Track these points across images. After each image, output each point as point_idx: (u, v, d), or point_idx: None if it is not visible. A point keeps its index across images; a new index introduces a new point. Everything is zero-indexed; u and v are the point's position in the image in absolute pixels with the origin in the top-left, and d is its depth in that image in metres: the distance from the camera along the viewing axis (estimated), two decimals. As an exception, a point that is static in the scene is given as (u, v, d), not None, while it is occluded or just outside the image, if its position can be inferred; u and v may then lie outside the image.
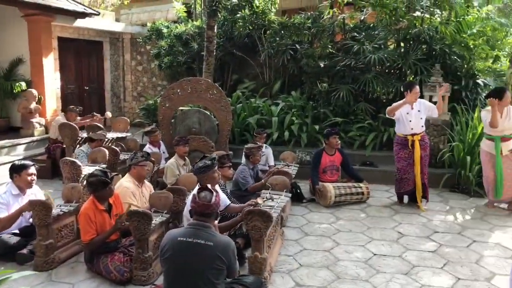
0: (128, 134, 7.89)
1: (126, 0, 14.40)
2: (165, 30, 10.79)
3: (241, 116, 8.58)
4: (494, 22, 8.62)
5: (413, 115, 5.74)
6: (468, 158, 6.44)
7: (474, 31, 8.07)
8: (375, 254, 4.46)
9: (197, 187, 3.89)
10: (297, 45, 9.08)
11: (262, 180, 5.41)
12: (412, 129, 5.76)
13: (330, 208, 5.88)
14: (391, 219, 5.53)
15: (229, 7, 9.52)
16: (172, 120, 7.83)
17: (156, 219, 4.11)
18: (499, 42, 9.14)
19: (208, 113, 7.78)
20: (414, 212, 5.76)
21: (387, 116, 6.02)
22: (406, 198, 6.13)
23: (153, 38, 10.99)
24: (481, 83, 7.72)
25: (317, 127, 8.01)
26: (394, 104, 5.80)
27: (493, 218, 5.55)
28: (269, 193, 4.65)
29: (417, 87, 5.70)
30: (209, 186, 3.31)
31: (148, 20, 12.43)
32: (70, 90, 10.58)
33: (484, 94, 7.68)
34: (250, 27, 9.53)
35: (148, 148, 6.78)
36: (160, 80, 11.91)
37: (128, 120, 8.30)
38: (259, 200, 4.29)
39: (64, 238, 4.34)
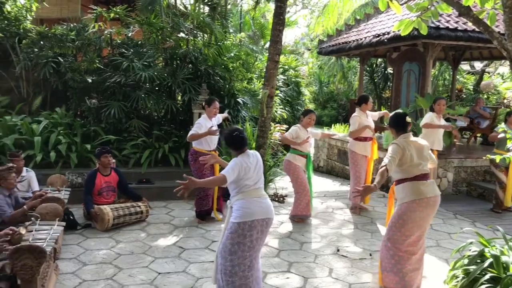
0: None
1: None
2: None
3: (-6, 137, 7.38)
4: (246, 48, 9.89)
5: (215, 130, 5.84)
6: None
7: (232, 54, 9.05)
8: (159, 273, 4.47)
9: None
10: (59, 58, 8.37)
11: (24, 206, 4.75)
12: (214, 144, 6.01)
13: (108, 232, 5.61)
14: (171, 234, 5.65)
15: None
16: None
17: None
18: (251, 66, 10.53)
19: None
20: (192, 225, 6.03)
21: (189, 140, 5.83)
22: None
23: None
24: (241, 101, 8.68)
25: (88, 146, 7.52)
26: (200, 133, 5.63)
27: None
28: (38, 224, 4.18)
29: (217, 102, 5.94)
30: None
31: None
32: None
33: (244, 111, 8.67)
34: (0, 34, 8.31)
35: None
36: None
37: None
38: (22, 230, 3.80)
39: None
